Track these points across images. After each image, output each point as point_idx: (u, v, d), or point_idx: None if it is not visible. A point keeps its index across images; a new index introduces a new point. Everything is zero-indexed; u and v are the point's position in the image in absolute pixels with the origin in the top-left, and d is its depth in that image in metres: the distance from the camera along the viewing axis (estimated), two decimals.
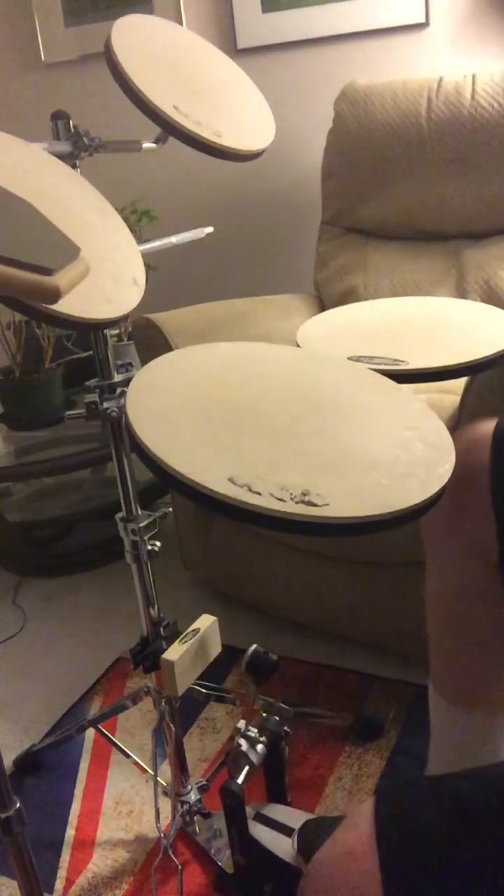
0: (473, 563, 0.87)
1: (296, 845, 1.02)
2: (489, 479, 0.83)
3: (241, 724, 1.03)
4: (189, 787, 1.19)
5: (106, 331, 1.01)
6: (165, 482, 0.70)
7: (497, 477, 0.82)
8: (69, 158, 1.00)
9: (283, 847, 1.03)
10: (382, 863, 0.53)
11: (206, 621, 1.10)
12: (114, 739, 1.33)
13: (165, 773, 1.26)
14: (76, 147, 1.00)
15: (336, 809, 1.21)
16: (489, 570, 0.86)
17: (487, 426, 0.86)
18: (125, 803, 1.28)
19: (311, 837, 1.03)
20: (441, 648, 0.95)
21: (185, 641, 1.06)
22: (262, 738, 1.02)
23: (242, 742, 1.01)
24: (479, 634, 0.90)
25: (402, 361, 0.96)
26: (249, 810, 1.05)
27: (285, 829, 1.05)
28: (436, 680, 0.96)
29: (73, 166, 1.00)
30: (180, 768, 1.18)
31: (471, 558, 0.87)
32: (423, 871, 0.52)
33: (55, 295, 0.57)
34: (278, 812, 1.09)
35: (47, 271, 0.57)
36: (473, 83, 1.70)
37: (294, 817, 1.08)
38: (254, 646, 1.12)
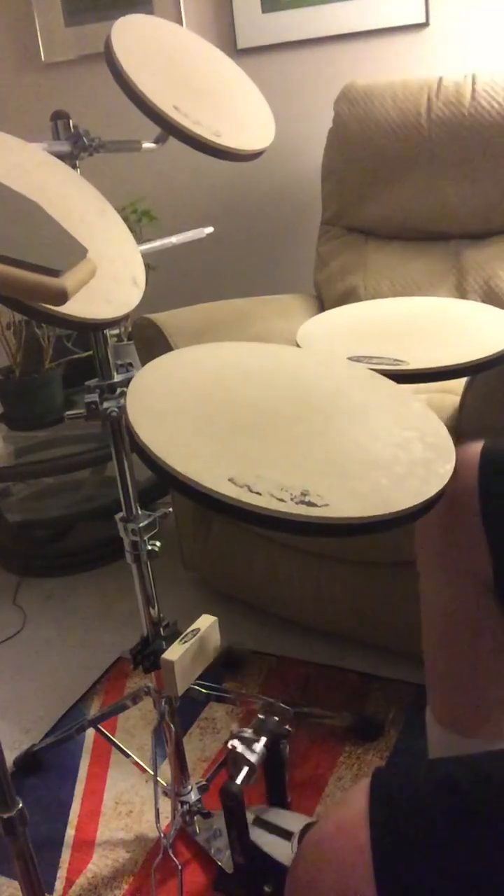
0: (466, 585, 0.87)
1: (296, 848, 1.02)
2: (478, 501, 0.83)
3: (234, 727, 1.03)
4: (189, 787, 1.19)
5: (106, 331, 1.01)
6: (165, 482, 0.70)
7: (486, 498, 0.82)
8: (69, 158, 1.00)
9: (282, 851, 1.03)
10: (373, 839, 0.53)
11: (206, 621, 1.10)
12: (114, 739, 1.33)
13: (165, 773, 1.26)
14: (76, 147, 1.00)
15: None
16: (483, 592, 0.85)
17: (474, 448, 0.85)
18: (125, 803, 1.28)
19: None
20: (438, 674, 0.95)
21: (185, 641, 1.06)
22: (259, 738, 1.02)
23: (237, 744, 1.01)
24: (474, 658, 0.90)
25: (402, 361, 0.96)
26: (249, 815, 1.05)
27: (285, 833, 1.06)
28: (432, 703, 0.96)
29: (73, 166, 1.00)
30: (180, 768, 1.18)
31: (464, 580, 0.87)
32: (414, 849, 0.52)
33: (62, 296, 0.57)
34: (278, 816, 1.09)
35: (54, 273, 0.57)
36: (473, 83, 1.70)
37: (294, 821, 1.08)
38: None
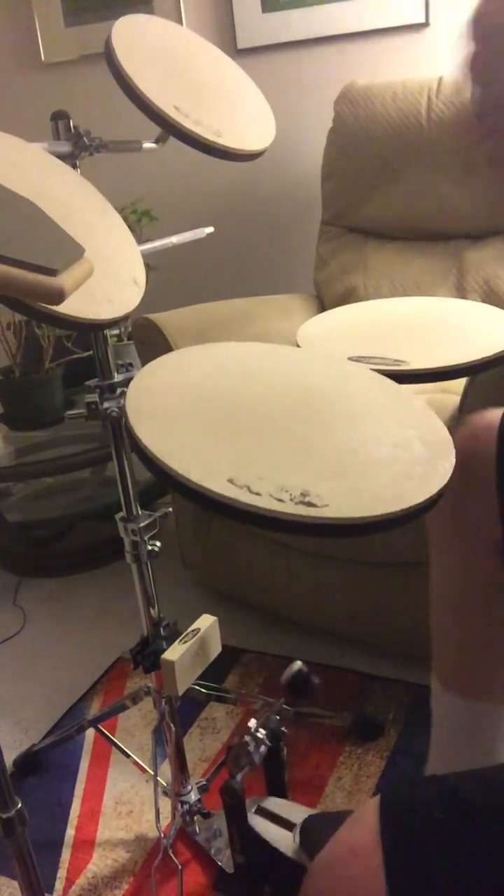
0: (478, 551, 0.87)
1: (297, 840, 1.02)
2: (494, 468, 0.83)
3: (253, 723, 1.03)
4: (189, 787, 1.19)
5: (106, 331, 1.01)
6: (165, 483, 0.70)
7: (502, 466, 0.83)
8: (69, 158, 1.00)
9: (284, 841, 1.03)
10: (387, 861, 0.52)
11: (206, 621, 1.10)
12: (114, 739, 1.33)
13: (165, 773, 1.26)
14: (76, 147, 1.00)
15: (336, 809, 1.21)
16: (493, 558, 0.86)
17: (493, 415, 0.86)
18: (125, 803, 1.28)
19: (314, 832, 1.03)
20: (445, 638, 0.95)
21: (185, 641, 1.06)
22: (267, 740, 1.02)
23: (250, 741, 1.01)
24: (484, 622, 0.90)
25: (402, 361, 0.96)
26: (250, 803, 1.05)
27: (287, 824, 1.05)
28: (439, 671, 0.96)
29: (74, 166, 1.00)
30: (180, 768, 1.18)
31: (475, 546, 0.87)
32: (428, 870, 0.52)
33: (59, 296, 0.57)
34: (280, 806, 1.09)
35: (51, 272, 0.57)
36: None
37: (295, 811, 1.08)
38: (297, 663, 1.12)
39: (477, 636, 0.92)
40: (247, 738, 1.01)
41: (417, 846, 0.53)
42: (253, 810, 1.06)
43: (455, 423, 1.27)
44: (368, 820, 0.55)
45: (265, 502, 0.65)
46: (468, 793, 0.55)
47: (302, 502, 0.65)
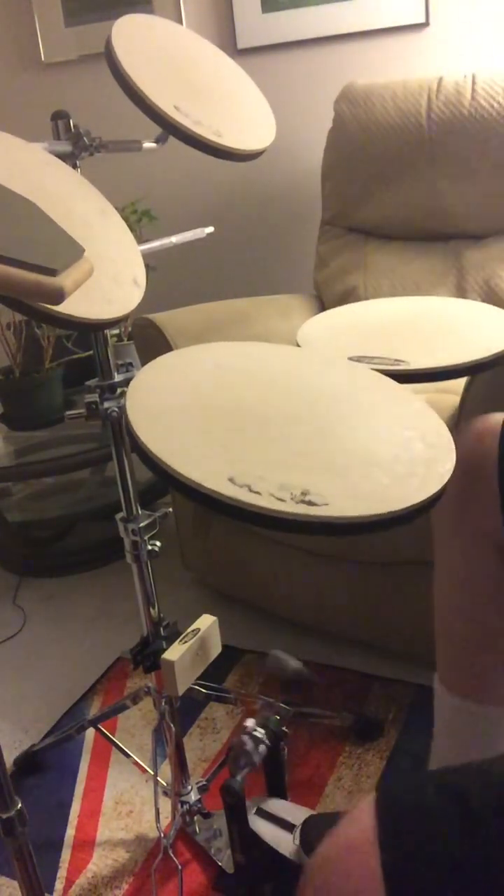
0: (482, 552, 0.88)
1: (297, 841, 1.02)
2: (497, 470, 0.83)
3: (250, 722, 1.03)
4: (189, 787, 1.19)
5: (106, 331, 1.01)
6: (166, 482, 0.70)
7: None
8: (69, 158, 1.00)
9: (284, 842, 1.03)
10: (384, 858, 0.52)
11: (206, 621, 1.10)
12: (114, 739, 1.33)
13: (165, 773, 1.26)
14: (76, 147, 1.00)
15: (336, 809, 1.21)
16: (498, 560, 0.86)
17: (496, 418, 0.87)
18: (125, 803, 1.28)
19: (314, 833, 1.03)
20: (449, 640, 0.95)
21: (185, 641, 1.06)
22: (267, 740, 1.02)
23: (247, 740, 1.01)
24: (488, 624, 0.91)
25: (403, 361, 0.96)
26: (250, 804, 1.05)
27: (286, 825, 1.05)
28: (443, 673, 0.96)
29: (74, 166, 1.00)
30: (180, 768, 1.18)
31: (479, 547, 0.88)
32: (425, 867, 0.52)
33: (59, 296, 0.57)
34: (279, 807, 1.09)
35: (51, 272, 0.57)
36: (473, 83, 1.70)
37: (295, 812, 1.08)
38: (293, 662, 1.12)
39: (481, 639, 0.92)
40: (244, 737, 1.01)
41: (414, 841, 0.52)
42: (253, 811, 1.06)
43: (455, 423, 1.27)
44: (365, 816, 0.55)
45: (266, 501, 0.65)
46: (466, 786, 0.54)
47: (302, 501, 0.65)
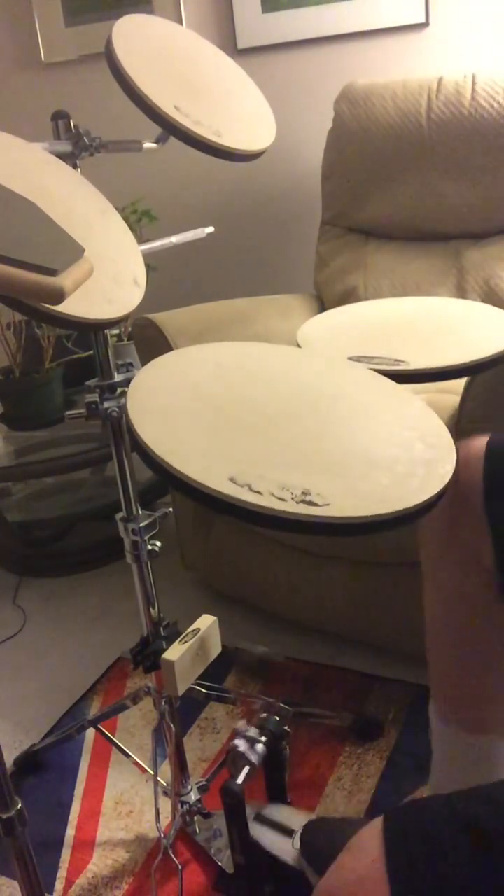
0: (471, 580, 0.87)
1: (297, 846, 1.02)
2: (482, 496, 0.83)
3: (241, 724, 1.03)
4: (189, 787, 1.19)
5: (106, 331, 1.01)
6: (166, 482, 0.70)
7: (490, 492, 0.82)
8: (70, 158, 1.00)
9: (283, 848, 1.03)
10: (395, 891, 0.50)
11: (206, 621, 1.10)
12: (114, 739, 1.33)
13: (165, 773, 1.26)
14: (77, 147, 1.00)
15: (336, 810, 1.21)
16: (486, 584, 0.85)
17: (480, 442, 0.86)
18: (125, 803, 1.28)
19: (313, 838, 1.02)
20: (441, 670, 0.94)
21: (185, 641, 1.06)
22: (262, 739, 1.02)
23: (241, 743, 1.01)
24: (480, 652, 0.89)
25: (402, 361, 0.96)
26: (249, 811, 1.05)
27: (286, 830, 1.06)
28: (437, 703, 0.95)
29: (74, 166, 1.00)
30: (180, 768, 1.18)
31: (468, 575, 0.87)
32: None
33: (59, 296, 0.57)
34: (279, 813, 1.09)
35: (51, 272, 0.57)
36: (473, 83, 1.70)
37: (294, 818, 1.08)
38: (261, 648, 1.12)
39: (474, 666, 0.90)
40: (238, 740, 1.01)
41: (426, 875, 0.50)
42: (252, 818, 1.06)
43: (455, 423, 1.27)
44: (373, 846, 0.53)
45: (266, 501, 0.65)
46: (477, 814, 0.52)
47: (303, 501, 0.65)
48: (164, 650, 1.05)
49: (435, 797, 0.56)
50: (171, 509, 1.11)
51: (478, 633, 0.89)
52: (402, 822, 0.54)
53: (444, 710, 0.94)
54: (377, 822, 0.54)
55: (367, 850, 0.53)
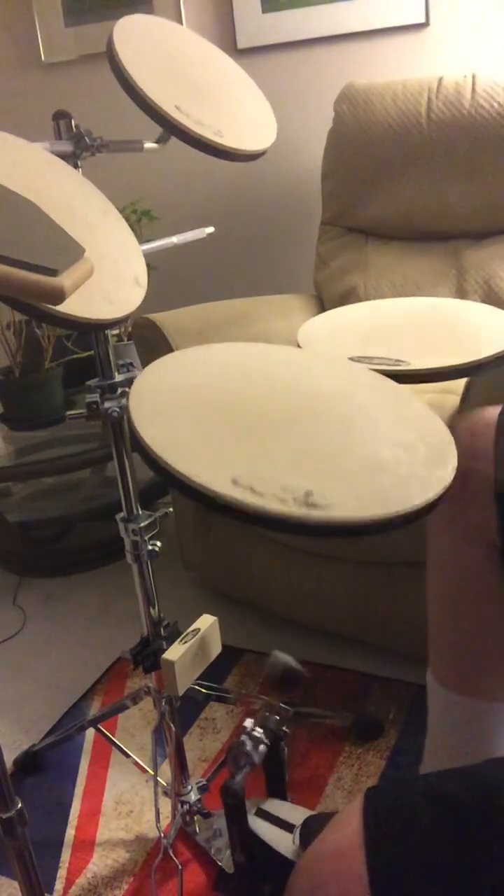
0: (474, 549, 0.87)
1: (297, 841, 1.02)
2: (492, 466, 0.83)
3: (249, 722, 1.03)
4: (189, 786, 1.19)
5: (106, 331, 1.01)
6: (168, 483, 0.70)
7: (500, 463, 0.83)
8: (71, 158, 1.00)
9: (284, 843, 1.03)
10: (370, 862, 0.52)
11: (206, 621, 1.10)
12: (114, 739, 1.33)
13: (165, 773, 1.26)
14: (78, 147, 1.00)
15: (336, 809, 1.21)
16: (490, 556, 0.86)
17: (491, 413, 0.86)
18: (125, 803, 1.28)
19: (314, 833, 1.02)
20: (441, 636, 0.95)
21: (185, 641, 1.06)
22: (266, 739, 1.02)
23: (247, 740, 1.01)
24: (480, 620, 0.90)
25: (403, 362, 0.96)
26: (250, 805, 1.05)
27: (286, 825, 1.05)
28: (435, 668, 0.96)
29: (75, 166, 1.00)
30: (180, 768, 1.18)
31: (472, 544, 0.88)
32: (412, 871, 0.52)
33: (59, 296, 0.57)
34: (279, 808, 1.09)
35: (51, 272, 0.57)
36: (473, 83, 1.70)
37: (295, 813, 1.08)
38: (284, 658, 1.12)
39: (471, 630, 0.92)
40: (244, 737, 1.01)
41: (400, 845, 0.53)
42: (252, 812, 1.06)
43: (455, 422, 1.27)
44: (352, 820, 0.55)
45: (268, 503, 0.65)
46: (452, 790, 0.54)
47: (305, 503, 0.65)
48: (164, 650, 1.05)
49: (413, 776, 0.58)
50: (171, 509, 1.11)
51: (478, 599, 0.90)
52: (380, 798, 0.57)
53: (443, 674, 0.95)
54: (358, 800, 0.57)
55: (346, 824, 0.55)
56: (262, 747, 1.01)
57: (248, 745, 1.00)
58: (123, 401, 1.00)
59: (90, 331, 1.06)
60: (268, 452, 0.73)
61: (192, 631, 1.08)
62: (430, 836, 0.52)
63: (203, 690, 1.32)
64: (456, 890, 0.50)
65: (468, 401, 1.25)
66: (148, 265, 0.94)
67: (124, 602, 1.84)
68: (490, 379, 1.20)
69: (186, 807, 1.18)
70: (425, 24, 1.88)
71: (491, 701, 0.92)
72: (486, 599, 0.89)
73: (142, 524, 1.07)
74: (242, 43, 2.03)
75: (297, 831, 1.04)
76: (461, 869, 0.51)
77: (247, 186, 2.17)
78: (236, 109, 1.13)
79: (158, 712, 1.15)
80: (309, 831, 1.03)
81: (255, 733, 1.01)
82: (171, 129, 1.02)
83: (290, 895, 0.57)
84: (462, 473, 0.84)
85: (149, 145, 1.09)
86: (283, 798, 1.12)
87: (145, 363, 0.89)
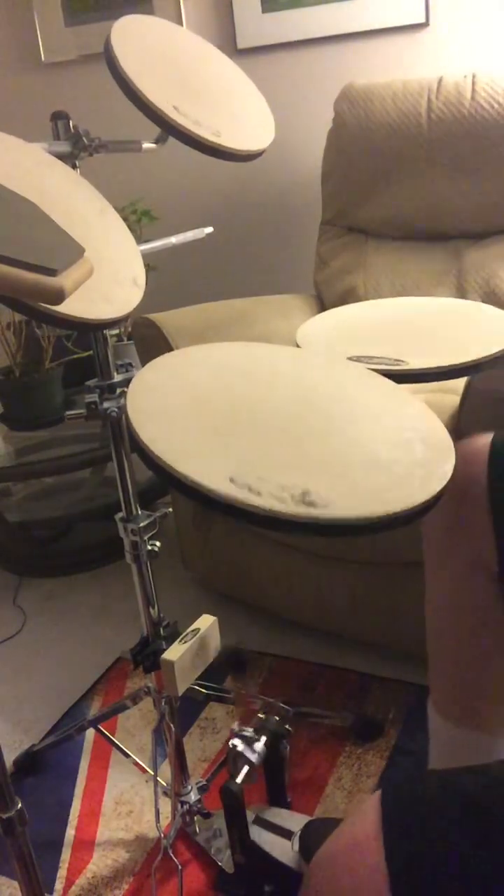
0: (473, 577, 0.87)
1: (296, 847, 1.02)
2: (487, 493, 0.83)
3: (235, 725, 1.03)
4: (189, 787, 1.19)
5: (106, 331, 1.01)
6: (166, 482, 0.70)
7: (494, 490, 0.82)
8: (69, 158, 1.00)
9: (283, 850, 1.03)
10: (388, 856, 0.52)
11: (206, 621, 1.10)
12: (114, 739, 1.33)
13: (165, 773, 1.26)
14: (76, 147, 1.00)
15: (336, 810, 1.21)
16: (489, 584, 0.86)
17: (483, 440, 0.86)
18: (125, 803, 1.28)
19: (313, 839, 1.03)
20: (441, 666, 0.94)
21: (185, 641, 1.06)
22: (260, 738, 1.02)
23: (238, 742, 1.01)
24: (480, 649, 0.90)
25: (402, 361, 0.96)
26: (249, 814, 1.05)
27: (285, 833, 1.06)
28: (436, 699, 0.96)
29: (73, 166, 1.00)
30: (180, 768, 1.18)
31: (471, 572, 0.87)
32: (430, 863, 0.52)
33: (59, 296, 0.57)
34: (278, 815, 1.09)
35: (51, 272, 0.57)
36: (473, 83, 1.70)
37: (294, 820, 1.08)
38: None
39: (473, 664, 0.91)
40: (235, 740, 1.01)
41: (418, 838, 0.53)
42: (252, 821, 1.06)
43: (455, 423, 1.27)
44: (370, 813, 0.55)
45: (266, 502, 0.65)
46: (469, 785, 0.54)
47: (303, 502, 0.65)
48: (164, 650, 1.05)
49: (431, 770, 0.58)
50: (170, 509, 1.11)
51: (478, 630, 0.89)
52: (398, 791, 0.56)
53: (442, 706, 0.94)
54: (376, 794, 0.57)
55: (364, 816, 0.55)
56: (258, 745, 1.01)
57: (241, 746, 1.00)
58: (122, 401, 1.00)
59: (89, 331, 1.06)
60: (266, 451, 0.73)
61: (192, 631, 1.08)
62: (448, 828, 0.52)
63: (203, 690, 1.32)
64: (473, 881, 0.50)
65: (468, 401, 1.25)
66: (147, 265, 0.94)
67: (124, 602, 1.84)
68: (490, 379, 1.20)
69: (186, 807, 1.18)
70: (425, 24, 1.88)
71: (492, 736, 0.91)
72: (487, 630, 0.88)
73: (141, 524, 1.07)
74: (242, 43, 2.03)
75: (296, 837, 1.04)
76: (480, 860, 0.51)
77: (246, 186, 2.17)
78: (234, 109, 1.13)
79: (158, 712, 1.15)
80: (307, 837, 1.03)
81: (246, 733, 1.01)
82: (169, 129, 1.02)
83: (307, 889, 0.57)
84: (457, 503, 0.84)
85: (147, 146, 1.09)
86: (284, 799, 1.12)
87: (145, 363, 0.89)
